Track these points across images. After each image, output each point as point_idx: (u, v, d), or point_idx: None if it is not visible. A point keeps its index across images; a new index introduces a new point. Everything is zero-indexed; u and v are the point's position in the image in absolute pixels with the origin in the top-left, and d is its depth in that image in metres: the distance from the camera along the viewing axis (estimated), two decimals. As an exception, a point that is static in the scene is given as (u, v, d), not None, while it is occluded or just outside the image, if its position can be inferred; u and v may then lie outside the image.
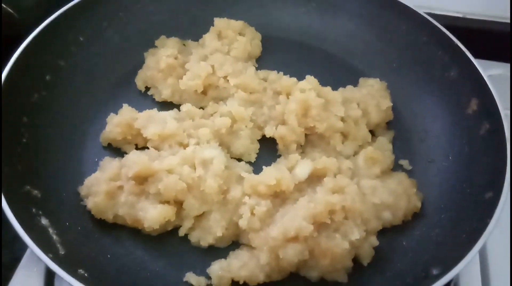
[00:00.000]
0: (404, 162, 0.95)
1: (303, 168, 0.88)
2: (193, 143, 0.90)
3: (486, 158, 0.85)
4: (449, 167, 0.91)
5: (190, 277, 0.79)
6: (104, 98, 1.03)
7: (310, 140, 0.96)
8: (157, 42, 1.12)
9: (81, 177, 0.89)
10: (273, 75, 1.05)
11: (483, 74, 0.91)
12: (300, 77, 1.00)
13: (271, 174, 0.84)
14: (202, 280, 0.79)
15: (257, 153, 0.96)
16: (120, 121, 0.93)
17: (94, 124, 0.98)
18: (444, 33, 1.00)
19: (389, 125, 1.01)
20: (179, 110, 0.99)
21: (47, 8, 1.22)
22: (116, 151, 0.95)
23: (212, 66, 1.02)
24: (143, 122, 0.92)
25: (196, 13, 1.16)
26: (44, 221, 0.77)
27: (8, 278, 0.86)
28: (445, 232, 0.81)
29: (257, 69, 1.08)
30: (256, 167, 0.93)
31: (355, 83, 1.05)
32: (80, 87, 1.01)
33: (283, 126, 0.94)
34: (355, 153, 0.94)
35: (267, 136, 0.96)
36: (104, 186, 0.83)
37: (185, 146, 0.91)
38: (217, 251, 0.83)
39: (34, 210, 0.77)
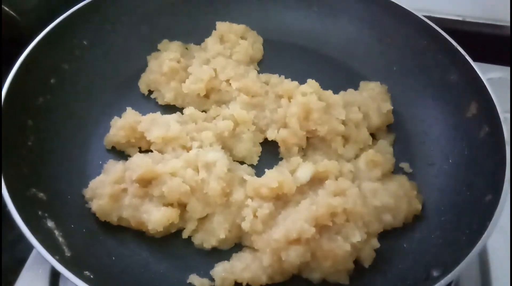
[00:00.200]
0: (405, 165, 0.96)
1: (305, 171, 0.89)
2: (196, 146, 0.91)
3: (485, 161, 0.86)
4: (449, 170, 0.92)
5: (193, 278, 0.80)
6: (108, 101, 1.04)
7: (311, 143, 0.97)
8: (159, 46, 1.13)
9: (85, 179, 0.90)
10: (274, 78, 1.06)
11: (482, 78, 0.92)
12: (302, 81, 1.01)
13: (273, 177, 0.85)
14: (206, 281, 0.80)
15: (259, 156, 0.97)
16: (124, 124, 0.94)
17: (97, 127, 0.99)
18: (444, 37, 1.01)
19: (389, 128, 1.02)
20: (182, 113, 1.00)
21: (48, 11, 1.23)
22: (120, 154, 0.96)
23: (215, 70, 1.03)
24: (147, 126, 0.93)
25: (198, 17, 1.17)
26: (50, 223, 0.78)
27: (11, 280, 0.87)
28: (445, 234, 0.82)
29: (258, 72, 1.09)
30: (258, 170, 0.94)
31: (356, 87, 1.06)
32: (84, 90, 1.02)
33: (284, 129, 0.95)
34: (356, 156, 0.95)
35: (269, 139, 0.97)
36: (108, 189, 0.84)
37: (188, 149, 0.92)
38: (220, 253, 0.84)
39: (40, 212, 0.78)
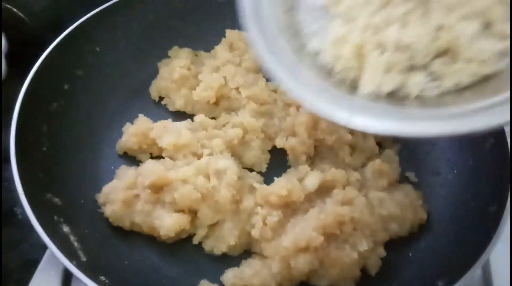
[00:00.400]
0: (410, 174, 0.97)
1: (313, 179, 0.90)
2: (207, 154, 0.93)
3: (490, 172, 0.87)
4: (454, 180, 0.93)
5: (204, 284, 0.82)
6: (119, 106, 1.06)
7: (319, 152, 0.99)
8: (170, 53, 1.14)
9: (97, 184, 0.92)
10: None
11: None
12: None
13: (283, 185, 0.86)
14: (216, 287, 0.82)
15: (267, 164, 0.99)
16: (136, 131, 0.96)
17: (109, 133, 1.01)
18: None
19: (395, 137, 1.04)
20: (192, 120, 1.02)
21: (57, 13, 1.25)
22: (131, 159, 0.98)
23: (224, 77, 1.05)
24: (158, 132, 0.95)
25: (208, 24, 1.18)
26: (65, 228, 0.80)
27: (13, 280, 0.89)
28: (450, 243, 0.83)
29: (267, 80, 1.10)
30: (267, 177, 0.96)
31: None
32: (97, 96, 1.04)
33: (293, 137, 0.97)
34: (363, 165, 0.96)
35: (278, 147, 0.99)
36: (121, 194, 0.86)
37: (199, 156, 0.93)
38: (230, 259, 0.85)
39: (56, 217, 0.80)
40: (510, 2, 0.61)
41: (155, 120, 1.00)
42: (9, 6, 1.20)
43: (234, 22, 1.15)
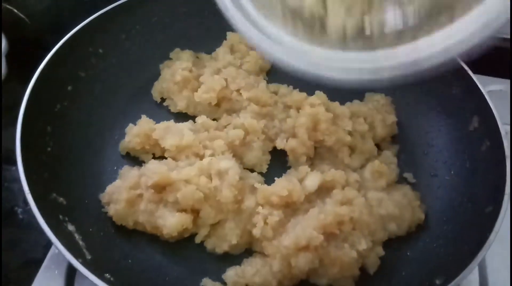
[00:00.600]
0: (408, 175, 0.99)
1: (313, 180, 0.92)
2: (209, 154, 0.95)
3: (486, 173, 0.88)
4: (451, 181, 0.95)
5: (206, 282, 0.83)
6: (122, 107, 1.07)
7: (319, 153, 1.00)
8: (172, 55, 1.16)
9: (101, 184, 0.93)
10: (283, 89, 1.09)
11: (484, 92, 0.94)
12: (309, 92, 1.04)
13: (283, 185, 0.88)
14: (218, 285, 0.83)
15: (268, 164, 1.00)
16: (139, 131, 0.97)
17: (112, 133, 1.02)
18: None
19: (394, 139, 1.05)
20: (194, 121, 1.04)
21: (57, 13, 1.26)
22: (134, 159, 1.00)
23: (225, 79, 1.06)
24: (161, 133, 0.97)
25: (210, 26, 1.19)
26: (70, 227, 0.81)
27: (13, 278, 0.90)
28: (448, 243, 0.85)
29: (267, 82, 1.12)
30: (267, 178, 0.97)
31: (361, 98, 1.09)
32: (100, 97, 1.05)
33: (293, 139, 0.98)
34: (362, 166, 0.98)
35: (278, 148, 1.00)
36: (124, 194, 0.87)
37: (201, 157, 0.95)
38: (231, 258, 0.87)
39: (61, 216, 0.81)
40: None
41: (157, 121, 1.01)
42: (9, 7, 1.22)
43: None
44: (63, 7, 1.27)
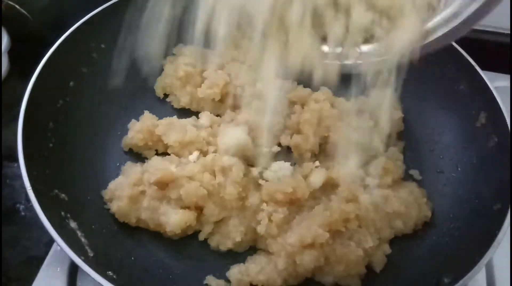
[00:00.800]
0: (414, 172, 0.98)
1: (318, 176, 0.91)
2: (212, 151, 0.94)
3: (494, 170, 0.87)
4: (458, 178, 0.94)
5: (210, 280, 0.82)
6: (124, 103, 1.06)
7: (323, 149, 0.99)
8: (175, 50, 1.15)
9: (103, 180, 0.92)
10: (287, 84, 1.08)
11: (491, 88, 0.93)
12: (314, 87, 1.02)
13: (288, 182, 0.87)
14: (222, 283, 0.82)
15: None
16: (142, 127, 0.96)
17: (115, 129, 1.01)
18: (453, 46, 1.02)
19: (399, 135, 1.04)
20: (197, 116, 1.02)
21: (60, 10, 1.25)
22: (137, 156, 0.99)
23: (229, 75, 1.05)
24: (164, 129, 0.96)
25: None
26: (72, 224, 0.80)
27: (19, 277, 0.90)
28: (455, 241, 0.84)
29: (271, 78, 1.11)
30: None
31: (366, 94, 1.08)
32: (102, 93, 1.03)
33: (298, 135, 0.97)
34: (367, 163, 0.97)
35: (282, 144, 0.99)
36: (127, 191, 0.86)
37: (204, 153, 0.94)
38: (235, 256, 0.86)
39: (63, 213, 0.80)
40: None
41: (160, 117, 1.01)
42: (11, 3, 1.21)
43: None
44: (65, 3, 1.26)
